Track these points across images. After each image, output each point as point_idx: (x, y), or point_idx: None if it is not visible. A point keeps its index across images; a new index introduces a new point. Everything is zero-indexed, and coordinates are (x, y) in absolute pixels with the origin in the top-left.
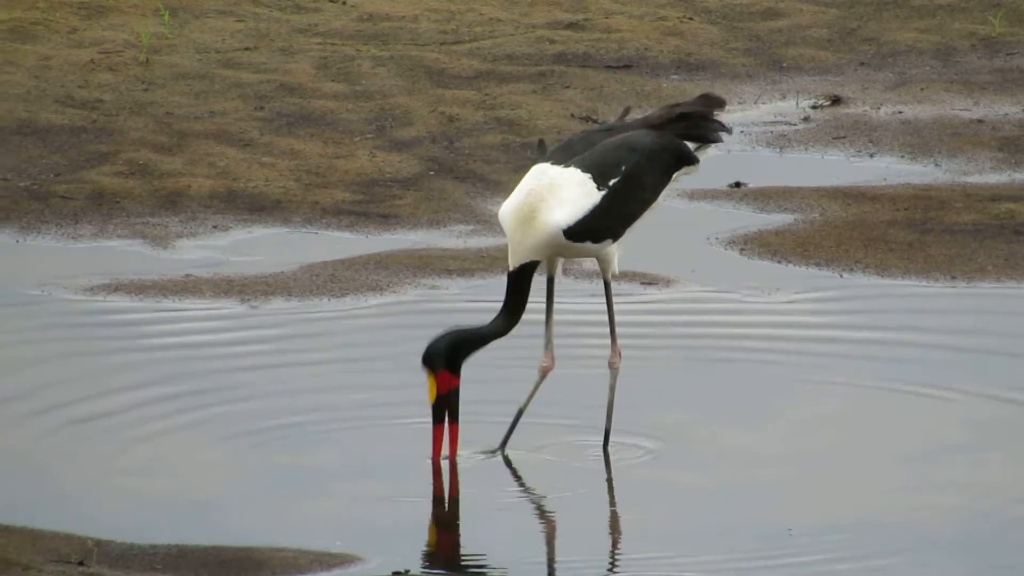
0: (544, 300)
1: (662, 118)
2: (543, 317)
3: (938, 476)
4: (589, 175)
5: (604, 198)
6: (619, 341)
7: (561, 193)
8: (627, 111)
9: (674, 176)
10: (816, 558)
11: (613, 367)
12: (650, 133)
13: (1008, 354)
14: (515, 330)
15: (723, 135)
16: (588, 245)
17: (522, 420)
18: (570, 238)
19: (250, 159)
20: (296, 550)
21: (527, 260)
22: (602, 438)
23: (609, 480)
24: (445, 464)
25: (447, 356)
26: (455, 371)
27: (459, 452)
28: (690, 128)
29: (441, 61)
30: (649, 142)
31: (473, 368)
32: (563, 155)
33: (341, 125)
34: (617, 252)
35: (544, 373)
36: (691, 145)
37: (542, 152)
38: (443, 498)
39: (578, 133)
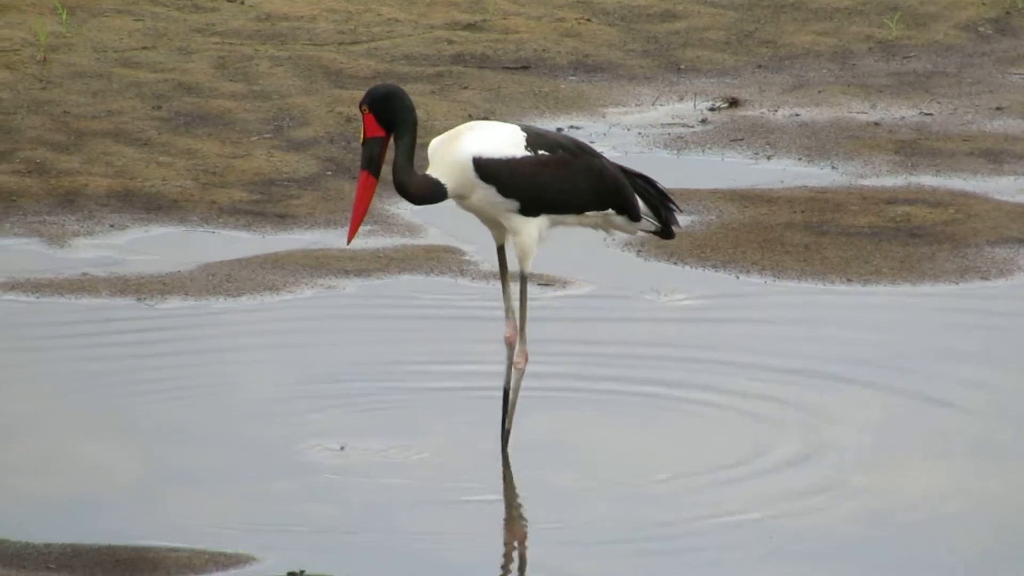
0: (499, 272)
1: (630, 171)
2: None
3: (828, 478)
4: (525, 135)
5: (528, 159)
6: (528, 343)
7: (490, 131)
8: None
9: (605, 212)
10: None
11: (517, 368)
12: (613, 163)
13: (905, 354)
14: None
15: (674, 230)
16: (496, 196)
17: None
18: (477, 170)
19: (147, 158)
20: (191, 550)
21: (436, 175)
22: (501, 439)
23: (509, 479)
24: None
25: (383, 99)
26: (382, 122)
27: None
28: (648, 191)
29: (339, 61)
30: (600, 162)
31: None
32: None
33: (239, 125)
34: (532, 236)
35: (511, 343)
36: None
37: None
38: (342, 494)
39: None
